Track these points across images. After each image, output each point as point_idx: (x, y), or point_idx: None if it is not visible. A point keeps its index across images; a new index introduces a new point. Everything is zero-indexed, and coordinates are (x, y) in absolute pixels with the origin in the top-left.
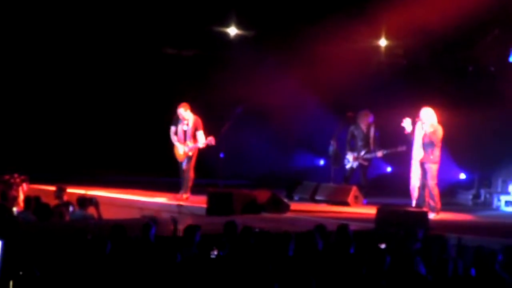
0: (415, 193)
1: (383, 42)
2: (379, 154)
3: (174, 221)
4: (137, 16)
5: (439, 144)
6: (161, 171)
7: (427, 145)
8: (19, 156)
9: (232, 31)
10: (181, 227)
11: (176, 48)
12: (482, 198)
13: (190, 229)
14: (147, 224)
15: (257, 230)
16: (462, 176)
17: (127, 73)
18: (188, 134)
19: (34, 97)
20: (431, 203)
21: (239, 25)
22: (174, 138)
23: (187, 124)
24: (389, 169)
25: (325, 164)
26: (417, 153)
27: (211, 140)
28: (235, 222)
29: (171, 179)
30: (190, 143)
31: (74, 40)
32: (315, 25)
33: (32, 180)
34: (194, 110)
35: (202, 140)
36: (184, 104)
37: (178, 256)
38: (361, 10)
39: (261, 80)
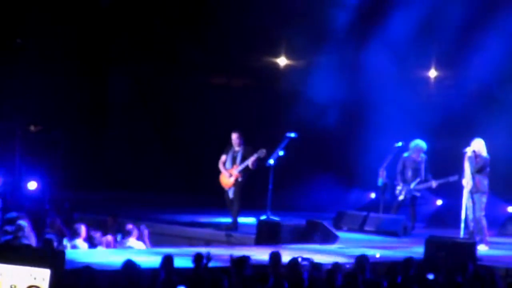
0: (464, 224)
1: (432, 74)
2: (434, 184)
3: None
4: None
5: (482, 171)
6: (210, 200)
7: (474, 174)
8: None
9: (282, 61)
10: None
11: (226, 78)
12: None
13: (239, 260)
14: (198, 255)
15: (305, 261)
16: (511, 209)
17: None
18: (238, 163)
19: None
20: (479, 234)
21: (288, 55)
22: (221, 166)
23: (237, 152)
24: (439, 202)
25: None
26: (467, 183)
27: (262, 152)
28: (279, 252)
29: (220, 208)
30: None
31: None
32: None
33: (84, 209)
34: (244, 140)
35: (252, 159)
36: (237, 132)
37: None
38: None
39: (310, 109)
